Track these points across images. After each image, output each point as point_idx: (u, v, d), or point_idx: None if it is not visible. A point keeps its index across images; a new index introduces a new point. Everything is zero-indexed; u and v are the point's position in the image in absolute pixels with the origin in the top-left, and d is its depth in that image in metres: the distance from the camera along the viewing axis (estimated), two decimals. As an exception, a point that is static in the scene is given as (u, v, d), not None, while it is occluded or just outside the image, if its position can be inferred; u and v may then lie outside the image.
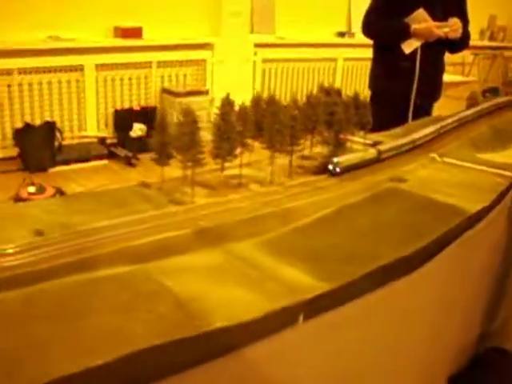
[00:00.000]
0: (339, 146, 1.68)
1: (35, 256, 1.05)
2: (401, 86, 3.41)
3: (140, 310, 0.89)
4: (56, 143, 4.95)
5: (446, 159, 1.89)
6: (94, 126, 5.44)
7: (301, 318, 0.96)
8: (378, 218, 1.33)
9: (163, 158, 1.43)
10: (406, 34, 3.21)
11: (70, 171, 4.87)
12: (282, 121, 1.47)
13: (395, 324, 1.24)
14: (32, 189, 4.05)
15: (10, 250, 1.05)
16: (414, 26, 3.19)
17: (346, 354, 1.10)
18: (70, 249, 1.08)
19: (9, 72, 4.94)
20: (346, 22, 7.29)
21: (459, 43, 3.31)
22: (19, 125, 5.02)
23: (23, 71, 5.00)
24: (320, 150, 1.78)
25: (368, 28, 3.35)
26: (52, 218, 1.23)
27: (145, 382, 0.81)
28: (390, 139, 1.93)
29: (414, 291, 1.25)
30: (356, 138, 1.91)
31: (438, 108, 3.58)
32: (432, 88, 3.48)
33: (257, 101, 1.82)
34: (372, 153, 1.76)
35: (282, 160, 1.66)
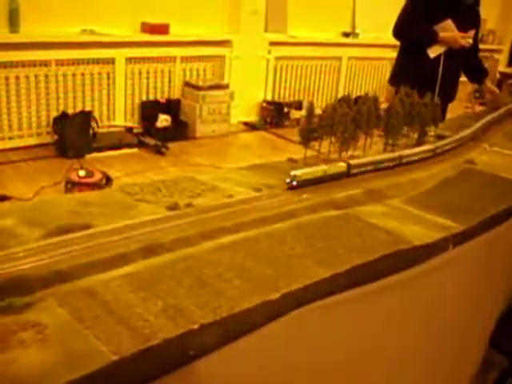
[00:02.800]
0: (423, 136, 2.25)
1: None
2: (424, 87, 4.01)
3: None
4: (91, 131, 5.43)
5: (495, 148, 2.48)
6: (122, 116, 5.93)
7: (451, 246, 1.53)
8: (468, 188, 1.92)
9: (306, 141, 1.99)
10: (434, 39, 3.80)
11: (105, 158, 5.35)
12: (397, 116, 2.03)
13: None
14: (82, 172, 4.51)
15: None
16: (442, 34, 3.78)
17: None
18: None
19: (46, 63, 5.40)
20: (351, 23, 7.88)
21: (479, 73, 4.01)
22: (54, 113, 5.48)
23: (60, 63, 5.46)
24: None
25: (400, 31, 3.94)
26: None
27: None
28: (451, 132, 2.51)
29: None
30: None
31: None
32: (450, 90, 4.08)
33: (347, 100, 2.39)
34: (340, 167, 1.94)
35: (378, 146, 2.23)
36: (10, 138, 5.37)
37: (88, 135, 5.35)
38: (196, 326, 1.26)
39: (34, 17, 5.32)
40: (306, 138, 2.05)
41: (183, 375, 1.24)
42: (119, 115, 5.90)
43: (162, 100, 6.08)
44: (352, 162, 2.06)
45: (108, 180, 4.56)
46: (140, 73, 5.98)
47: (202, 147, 5.89)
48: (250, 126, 6.74)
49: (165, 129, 5.87)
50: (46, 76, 5.40)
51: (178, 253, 1.55)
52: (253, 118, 6.92)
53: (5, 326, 1.21)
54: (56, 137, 5.32)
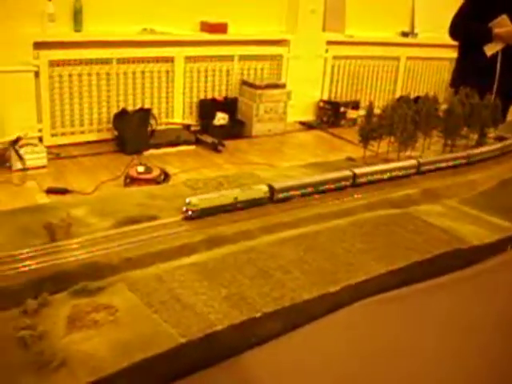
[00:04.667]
0: (483, 137, 2.26)
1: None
2: (482, 86, 3.98)
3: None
4: (149, 128, 5.57)
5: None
6: (180, 114, 6.07)
7: (509, 247, 1.55)
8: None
9: (366, 140, 2.03)
10: (489, 36, 3.77)
11: (162, 154, 5.49)
12: (456, 117, 2.06)
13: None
14: (141, 168, 4.65)
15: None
16: (497, 30, 3.75)
17: None
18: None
19: (108, 61, 5.57)
20: (410, 23, 7.83)
21: None
22: (114, 110, 5.65)
23: (121, 61, 5.63)
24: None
25: (455, 30, 3.93)
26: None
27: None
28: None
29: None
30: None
31: None
32: (510, 88, 4.03)
33: (407, 100, 2.42)
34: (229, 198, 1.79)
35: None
36: (71, 134, 5.57)
37: (147, 132, 5.50)
38: (258, 315, 1.33)
39: (96, 16, 5.50)
40: (366, 138, 2.09)
41: (245, 360, 1.30)
42: (177, 113, 6.04)
43: (220, 98, 6.19)
44: (357, 171, 2.12)
45: (166, 176, 4.69)
46: (198, 71, 6.10)
47: (258, 146, 5.97)
48: (307, 126, 6.78)
49: (222, 127, 5.98)
50: (108, 74, 5.57)
51: (240, 245, 1.62)
52: (309, 117, 6.96)
53: (79, 307, 1.30)
54: (116, 133, 5.48)
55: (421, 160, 2.25)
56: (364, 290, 1.55)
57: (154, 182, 4.55)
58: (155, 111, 5.82)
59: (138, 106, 5.73)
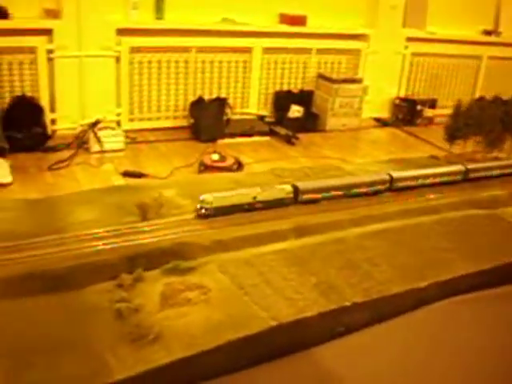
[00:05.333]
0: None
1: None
2: None
3: None
4: (224, 117, 5.63)
5: None
6: (255, 105, 6.10)
7: None
8: None
9: (452, 139, 2.00)
10: None
11: (236, 144, 5.53)
12: None
13: None
14: (215, 156, 4.70)
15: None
16: None
17: None
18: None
19: (187, 49, 5.65)
20: (494, 21, 7.61)
21: None
22: (191, 98, 5.73)
23: (199, 49, 5.69)
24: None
25: None
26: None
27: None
28: None
29: None
30: None
31: None
32: None
33: (495, 100, 2.36)
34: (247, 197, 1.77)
35: None
36: (148, 119, 5.68)
37: (222, 121, 5.56)
38: (348, 304, 1.33)
39: (177, 5, 5.58)
40: (452, 136, 2.07)
41: (331, 348, 1.31)
42: (253, 103, 6.07)
43: (296, 91, 6.19)
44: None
45: (239, 166, 4.72)
46: (276, 63, 6.11)
47: (331, 140, 5.94)
48: (381, 122, 6.71)
49: (296, 119, 5.98)
50: (186, 62, 5.65)
51: (328, 235, 1.63)
52: (384, 114, 6.88)
53: (172, 285, 1.34)
54: (192, 120, 5.56)
55: (469, 166, 2.19)
56: (451, 288, 1.53)
57: (228, 170, 4.59)
58: (231, 101, 5.87)
59: (215, 95, 5.80)
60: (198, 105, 5.55)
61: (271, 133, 5.78)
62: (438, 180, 2.16)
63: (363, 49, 6.48)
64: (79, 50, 5.19)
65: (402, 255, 1.53)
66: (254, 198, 1.74)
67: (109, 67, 5.38)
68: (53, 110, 5.28)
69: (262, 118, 5.99)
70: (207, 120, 5.45)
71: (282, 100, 6.07)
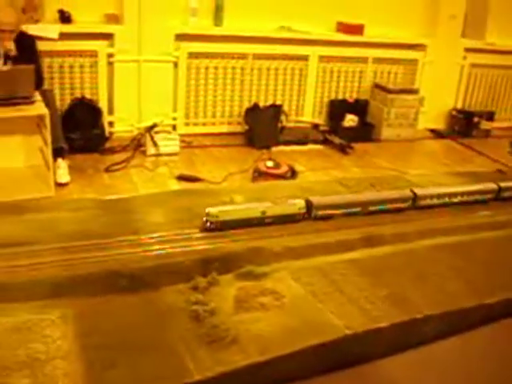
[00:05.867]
0: None
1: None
2: None
3: None
4: (279, 125, 5.66)
5: None
6: (310, 113, 6.13)
7: None
8: None
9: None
10: None
11: (290, 151, 5.56)
12: None
13: None
14: (270, 163, 4.73)
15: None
16: None
17: None
18: None
19: (244, 56, 5.71)
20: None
21: None
22: (246, 104, 5.78)
23: (256, 56, 5.75)
24: None
25: None
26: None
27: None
28: None
29: None
30: None
31: None
32: None
33: None
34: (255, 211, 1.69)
35: None
36: (203, 124, 5.76)
37: (276, 128, 5.60)
38: (420, 316, 1.34)
39: (236, 12, 5.65)
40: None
41: (402, 359, 1.32)
42: (307, 111, 6.10)
43: (351, 100, 6.19)
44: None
45: (293, 173, 4.74)
46: (331, 71, 6.13)
47: (385, 150, 5.92)
48: (437, 134, 6.65)
49: (350, 129, 5.98)
50: (242, 68, 5.71)
51: (397, 246, 1.63)
52: (440, 125, 6.81)
53: (246, 290, 1.37)
54: (246, 127, 5.61)
55: (502, 184, 2.06)
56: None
57: (282, 177, 4.62)
58: (286, 108, 5.91)
59: (270, 102, 5.84)
60: (253, 111, 5.60)
61: (325, 141, 5.80)
62: (467, 199, 2.02)
63: (420, 59, 6.44)
64: (139, 55, 5.31)
65: (472, 269, 1.52)
66: (263, 212, 1.67)
67: (167, 72, 5.48)
68: (111, 112, 5.40)
69: (316, 126, 6.02)
70: (262, 127, 5.50)
71: (337, 109, 6.08)
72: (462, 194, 1.98)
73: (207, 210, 1.61)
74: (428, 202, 1.91)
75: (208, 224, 1.61)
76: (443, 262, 1.54)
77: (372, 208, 1.83)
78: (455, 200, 1.97)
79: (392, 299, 1.37)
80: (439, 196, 1.93)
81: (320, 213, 1.74)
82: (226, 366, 1.16)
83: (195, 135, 5.62)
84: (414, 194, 1.88)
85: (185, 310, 1.31)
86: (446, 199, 1.96)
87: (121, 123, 5.39)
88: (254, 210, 1.67)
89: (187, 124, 5.67)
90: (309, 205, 1.73)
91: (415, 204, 1.89)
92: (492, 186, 2.05)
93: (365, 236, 1.65)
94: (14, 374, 1.15)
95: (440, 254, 1.58)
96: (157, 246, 1.52)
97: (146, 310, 1.32)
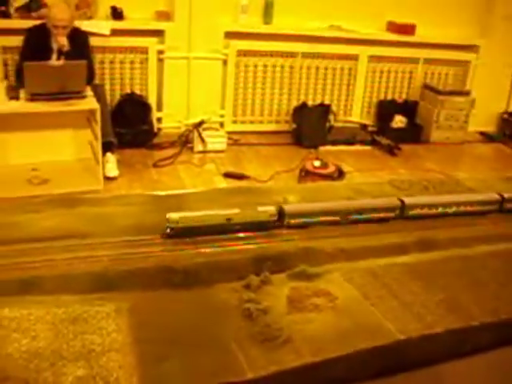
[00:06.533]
0: None
1: None
2: None
3: None
4: (327, 124, 5.63)
5: None
6: (358, 113, 6.08)
7: None
8: None
9: None
10: None
11: (337, 151, 5.53)
12: None
13: None
14: (317, 163, 4.71)
15: None
16: None
17: None
18: None
19: (293, 55, 5.70)
20: None
21: None
22: (294, 103, 5.78)
23: (305, 55, 5.74)
24: None
25: None
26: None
27: None
28: None
29: None
30: None
31: None
32: None
33: None
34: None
35: None
36: (250, 122, 5.77)
37: (324, 128, 5.58)
38: (476, 323, 1.32)
39: (286, 10, 5.65)
40: None
41: (456, 367, 1.30)
42: (356, 111, 6.06)
43: (400, 100, 6.13)
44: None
45: (340, 173, 4.72)
46: (381, 71, 6.08)
47: (434, 152, 5.84)
48: (487, 137, 6.52)
49: (399, 130, 5.92)
50: (291, 67, 5.71)
51: (452, 251, 1.61)
52: (491, 128, 6.68)
53: (299, 290, 1.37)
54: (294, 126, 5.61)
55: (505, 195, 1.88)
56: None
57: (330, 178, 4.60)
58: (334, 108, 5.88)
59: (318, 101, 5.82)
60: (301, 110, 5.60)
61: (373, 142, 5.75)
62: (463, 209, 1.84)
63: (472, 60, 6.33)
64: (188, 52, 5.35)
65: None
66: (229, 219, 1.60)
67: (216, 69, 5.52)
68: (159, 108, 5.46)
69: (364, 126, 5.97)
70: (310, 126, 5.49)
71: (386, 109, 6.03)
72: (459, 204, 1.84)
73: (168, 216, 1.54)
74: (418, 211, 1.77)
75: (168, 230, 1.55)
76: (500, 269, 1.52)
77: (353, 217, 1.71)
78: (450, 211, 1.82)
79: (446, 305, 1.35)
80: (430, 206, 1.79)
81: (293, 221, 1.65)
82: (278, 365, 1.16)
83: (242, 133, 5.64)
84: (402, 202, 1.75)
85: (237, 308, 1.32)
86: (440, 209, 1.80)
87: (169, 119, 5.45)
88: (218, 216, 1.60)
89: (235, 121, 5.69)
90: (281, 212, 1.64)
91: (403, 214, 1.75)
92: (494, 196, 1.89)
93: (419, 240, 1.63)
94: (70, 364, 1.17)
95: (496, 261, 1.55)
96: (209, 244, 1.53)
97: (198, 307, 1.34)
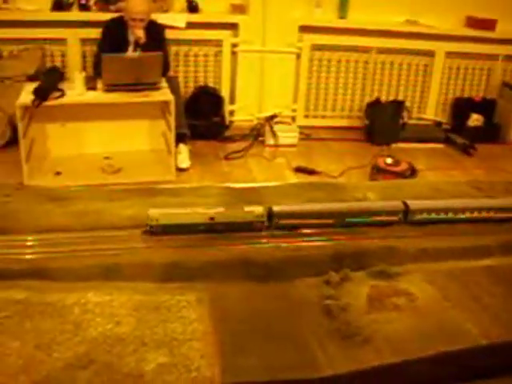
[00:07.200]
0: None
1: None
2: None
3: None
4: (400, 121, 5.55)
5: None
6: (433, 110, 5.96)
7: None
8: None
9: None
10: None
11: (410, 149, 5.44)
12: None
13: None
14: (389, 160, 4.65)
15: None
16: None
17: None
18: None
19: (367, 50, 5.64)
20: None
21: None
22: (367, 99, 5.71)
23: (380, 50, 5.66)
24: None
25: None
26: None
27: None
28: None
29: None
30: None
31: None
32: None
33: None
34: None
35: None
36: (322, 117, 5.75)
37: (398, 124, 5.50)
38: None
39: (361, 4, 5.59)
40: None
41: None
42: (430, 109, 5.95)
43: (477, 98, 5.97)
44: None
45: (413, 171, 4.65)
46: (458, 68, 5.94)
47: None
48: None
49: (475, 128, 5.77)
50: (366, 62, 5.65)
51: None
52: None
53: (379, 289, 1.36)
54: (367, 122, 5.55)
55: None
56: None
57: (401, 175, 4.53)
58: (408, 104, 5.78)
59: (392, 98, 5.74)
60: (374, 106, 5.53)
61: (447, 141, 5.63)
62: (470, 215, 1.71)
63: (556, 57, 6.09)
64: (262, 45, 5.37)
65: None
66: (212, 218, 1.56)
67: (289, 63, 5.52)
68: (232, 101, 5.50)
69: (438, 124, 5.86)
70: (382, 122, 5.43)
71: (462, 107, 5.89)
72: (466, 210, 1.71)
73: (148, 212, 1.52)
74: (424, 216, 1.65)
75: (148, 227, 1.53)
76: None
77: (350, 220, 1.63)
78: (462, 216, 1.70)
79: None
80: (438, 211, 1.67)
81: (282, 222, 1.59)
82: (358, 364, 1.16)
83: (314, 128, 5.62)
84: (406, 206, 1.64)
85: (317, 304, 1.32)
86: (450, 215, 1.68)
87: (241, 112, 5.49)
88: (201, 215, 1.57)
89: (306, 116, 5.68)
90: (270, 213, 1.58)
91: (407, 219, 1.66)
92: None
93: (503, 243, 1.59)
94: (152, 351, 1.20)
95: None
96: (288, 238, 1.54)
97: (277, 300, 1.35)
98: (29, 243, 1.55)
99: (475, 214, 1.65)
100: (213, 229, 1.56)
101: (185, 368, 1.16)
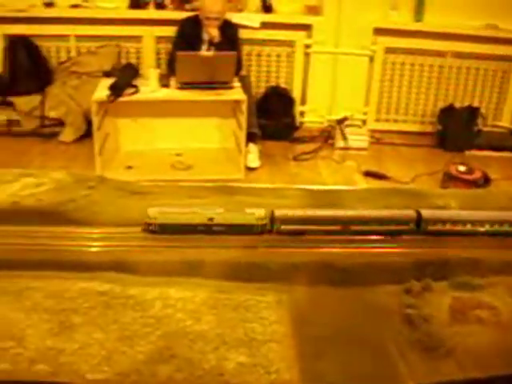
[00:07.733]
0: None
1: None
2: None
3: None
4: (475, 128, 5.42)
5: None
6: (509, 118, 5.80)
7: None
8: None
9: None
10: None
11: (484, 157, 5.30)
12: None
13: None
14: (462, 168, 4.54)
15: None
16: None
17: None
18: None
19: (443, 54, 5.53)
20: None
21: None
22: (441, 104, 5.60)
23: (456, 55, 5.54)
24: None
25: None
26: None
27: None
28: None
29: None
30: None
31: None
32: None
33: None
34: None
35: None
36: (394, 121, 5.67)
37: (472, 131, 5.37)
38: None
39: (438, 7, 5.47)
40: None
41: None
42: (506, 116, 5.78)
43: (558, 107, 5.77)
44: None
45: (486, 180, 4.53)
46: (538, 75, 5.75)
47: None
48: None
49: (554, 138, 5.58)
50: (440, 67, 5.55)
51: None
52: None
53: (462, 301, 1.33)
54: (439, 127, 5.44)
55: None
56: None
57: (474, 184, 4.43)
58: (483, 111, 5.64)
59: (466, 104, 5.60)
60: (447, 112, 5.42)
61: (524, 150, 5.46)
62: (488, 229, 1.60)
63: None
64: (335, 47, 5.35)
65: None
66: (211, 219, 1.53)
67: (362, 66, 5.47)
68: (303, 102, 5.50)
69: (513, 132, 5.69)
70: (456, 129, 5.32)
71: (540, 115, 5.70)
72: (482, 221, 1.61)
73: (148, 210, 1.52)
74: (439, 227, 1.57)
75: (146, 226, 1.53)
76: None
77: (358, 228, 1.56)
78: (481, 229, 1.60)
79: None
80: (455, 222, 1.58)
81: (284, 227, 1.54)
82: (441, 376, 1.14)
83: (385, 132, 5.55)
84: (419, 215, 1.56)
85: (397, 313, 1.30)
86: (469, 226, 1.59)
87: (311, 114, 5.48)
88: (200, 215, 1.54)
89: (377, 120, 5.62)
90: (271, 217, 1.54)
91: (420, 228, 1.57)
92: None
93: None
94: (233, 350, 1.21)
95: None
96: (368, 244, 1.53)
97: (357, 306, 1.34)
98: (109, 236, 1.58)
99: None
100: (212, 230, 1.56)
101: (264, 369, 1.16)
